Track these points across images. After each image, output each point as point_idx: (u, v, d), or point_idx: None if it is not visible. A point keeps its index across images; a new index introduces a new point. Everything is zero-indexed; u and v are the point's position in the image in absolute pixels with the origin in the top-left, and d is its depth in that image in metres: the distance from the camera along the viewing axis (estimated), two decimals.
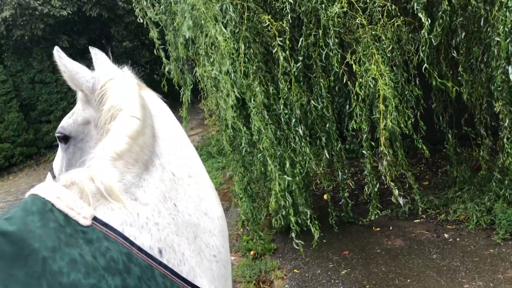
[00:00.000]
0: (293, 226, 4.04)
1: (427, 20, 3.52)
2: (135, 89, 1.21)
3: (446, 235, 4.64)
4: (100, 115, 1.17)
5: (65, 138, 1.38)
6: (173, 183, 1.12)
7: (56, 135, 1.40)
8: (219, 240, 1.20)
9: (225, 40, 3.65)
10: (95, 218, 0.87)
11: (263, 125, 3.96)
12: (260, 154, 4.15)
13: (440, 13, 3.56)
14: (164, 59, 4.93)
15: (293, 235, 4.11)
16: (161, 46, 4.91)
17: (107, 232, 0.85)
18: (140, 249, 0.89)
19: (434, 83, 3.91)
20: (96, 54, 1.42)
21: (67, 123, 1.36)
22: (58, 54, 1.26)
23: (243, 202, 4.40)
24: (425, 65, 3.74)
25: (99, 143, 1.10)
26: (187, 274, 1.00)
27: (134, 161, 1.03)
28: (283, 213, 4.18)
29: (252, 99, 3.90)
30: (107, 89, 1.19)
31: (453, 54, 4.15)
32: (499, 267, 3.91)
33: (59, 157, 1.48)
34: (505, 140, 4.00)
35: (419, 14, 3.57)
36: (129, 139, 1.03)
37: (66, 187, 0.90)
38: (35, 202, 0.84)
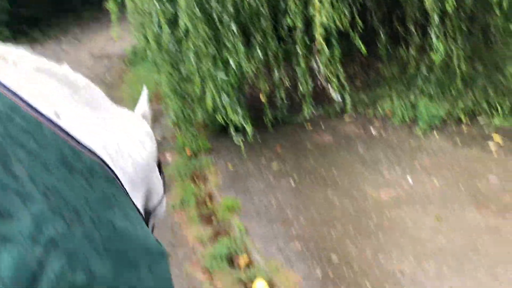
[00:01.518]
0: (231, 122, 4.09)
1: None
2: None
3: (373, 131, 4.88)
4: None
5: None
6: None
7: None
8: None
9: None
10: None
11: (194, 22, 3.77)
12: (192, 52, 4.01)
13: None
14: None
15: (232, 132, 4.17)
16: None
17: None
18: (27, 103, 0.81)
19: None
20: None
21: None
22: None
23: (173, 102, 4.30)
24: None
25: None
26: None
27: None
28: (222, 112, 4.17)
29: None
30: None
31: None
32: (416, 157, 4.23)
33: None
34: (433, 37, 4.08)
35: None
36: None
37: None
38: None
